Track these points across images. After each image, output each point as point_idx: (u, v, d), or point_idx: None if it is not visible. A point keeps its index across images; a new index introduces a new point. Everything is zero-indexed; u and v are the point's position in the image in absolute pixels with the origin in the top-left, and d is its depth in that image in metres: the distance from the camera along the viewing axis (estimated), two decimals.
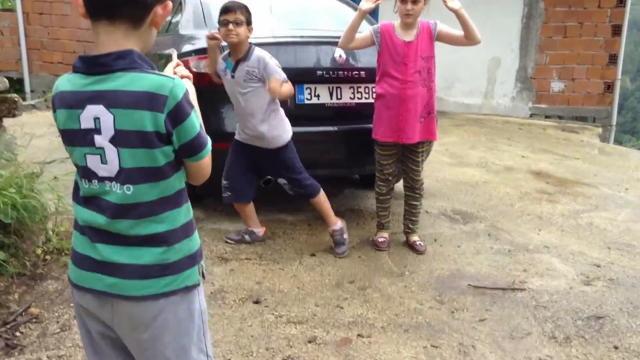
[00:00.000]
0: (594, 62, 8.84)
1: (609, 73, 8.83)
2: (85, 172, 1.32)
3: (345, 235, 3.54)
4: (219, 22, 3.25)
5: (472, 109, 9.23)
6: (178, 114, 1.27)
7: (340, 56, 3.84)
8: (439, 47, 3.49)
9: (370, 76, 3.82)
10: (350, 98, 3.92)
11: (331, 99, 3.87)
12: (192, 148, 1.33)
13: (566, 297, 3.11)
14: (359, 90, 3.95)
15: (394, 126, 3.41)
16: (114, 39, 1.27)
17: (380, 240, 3.70)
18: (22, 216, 2.87)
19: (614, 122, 8.87)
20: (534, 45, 8.99)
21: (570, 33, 8.87)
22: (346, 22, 4.51)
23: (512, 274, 3.38)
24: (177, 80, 1.28)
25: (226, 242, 3.58)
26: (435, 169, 5.59)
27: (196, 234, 1.43)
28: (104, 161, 1.28)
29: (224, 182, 3.52)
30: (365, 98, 3.96)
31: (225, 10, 3.19)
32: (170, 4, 1.34)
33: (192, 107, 1.31)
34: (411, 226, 3.74)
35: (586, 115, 8.95)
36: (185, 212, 1.40)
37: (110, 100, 1.25)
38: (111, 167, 1.28)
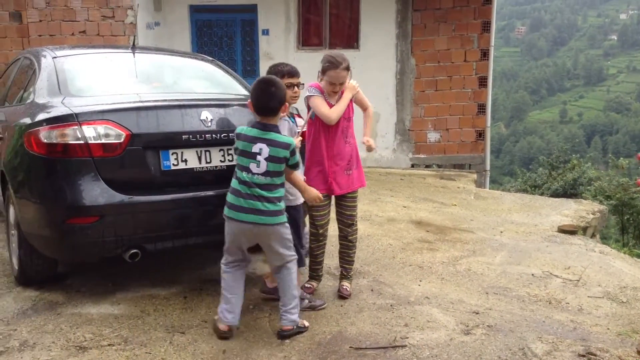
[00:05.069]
0: (465, 112, 9.40)
1: (479, 122, 9.41)
2: (244, 169, 3.05)
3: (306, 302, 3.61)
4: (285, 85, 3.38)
5: None
6: (293, 150, 3.06)
7: (207, 118, 3.71)
8: None
9: None
10: (221, 161, 3.77)
11: (200, 163, 3.70)
12: (294, 166, 3.13)
13: (446, 350, 3.07)
14: (230, 152, 3.82)
15: (325, 180, 3.66)
16: (267, 120, 3.08)
17: (307, 285, 3.82)
18: None
19: (488, 167, 9.40)
20: (409, 99, 9.42)
21: (441, 86, 9.41)
22: (213, 83, 4.47)
23: (393, 330, 3.32)
24: (293, 140, 3.12)
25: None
26: None
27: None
28: (258, 166, 3.03)
29: (306, 245, 3.72)
30: None
31: (290, 74, 3.57)
32: (287, 105, 3.20)
33: (297, 152, 3.09)
34: (345, 273, 3.93)
35: (462, 162, 9.43)
36: (283, 191, 3.16)
37: (269, 142, 3.03)
38: (261, 169, 3.03)
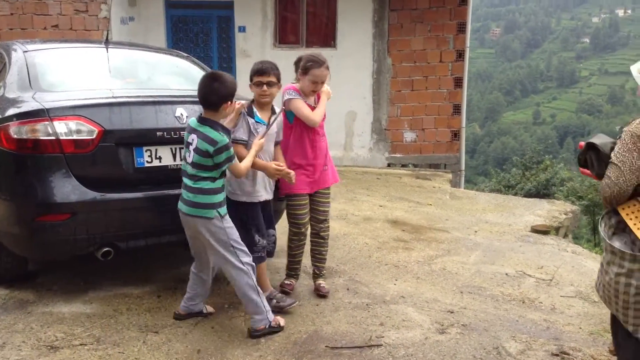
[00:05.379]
0: (440, 113, 9.46)
1: (455, 122, 9.48)
2: (184, 158, 3.12)
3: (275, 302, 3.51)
4: (254, 83, 3.38)
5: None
6: (219, 150, 3.00)
7: (181, 115, 3.66)
8: None
9: None
10: None
11: (174, 160, 3.65)
12: (217, 165, 3.04)
13: (422, 349, 3.08)
14: None
15: (307, 179, 3.71)
16: (208, 115, 3.09)
17: (287, 282, 3.87)
18: None
19: (463, 167, 9.48)
20: (385, 99, 9.45)
21: (417, 86, 9.46)
22: (188, 79, 4.41)
23: (369, 329, 3.32)
24: (226, 137, 3.03)
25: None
26: None
27: (222, 194, 3.13)
28: (189, 156, 3.06)
29: (261, 242, 3.44)
30: None
31: (259, 72, 3.37)
32: (232, 104, 3.15)
33: (227, 150, 3.03)
34: (317, 272, 3.92)
35: (437, 162, 9.49)
36: (216, 184, 3.08)
37: (199, 134, 3.03)
38: (190, 159, 3.05)
